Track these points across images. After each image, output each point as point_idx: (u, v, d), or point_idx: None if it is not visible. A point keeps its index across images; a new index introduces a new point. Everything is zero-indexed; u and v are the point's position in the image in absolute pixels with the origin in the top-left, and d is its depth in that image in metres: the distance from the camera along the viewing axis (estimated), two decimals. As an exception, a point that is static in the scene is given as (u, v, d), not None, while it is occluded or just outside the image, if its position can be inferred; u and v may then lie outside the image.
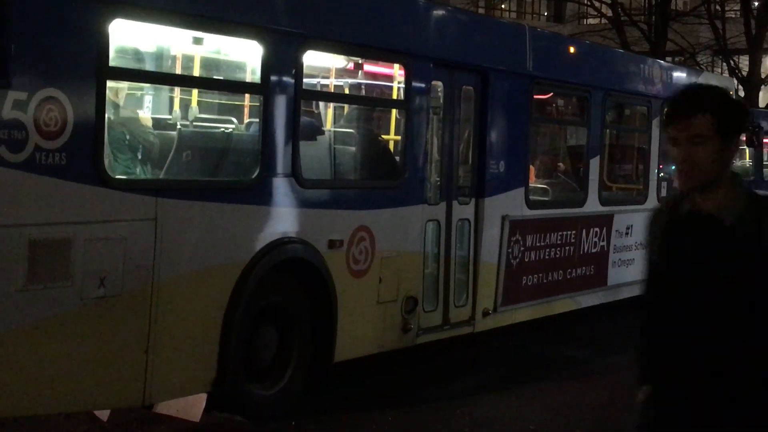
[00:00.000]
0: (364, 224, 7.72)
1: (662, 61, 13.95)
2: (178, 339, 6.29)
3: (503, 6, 43.12)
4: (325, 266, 7.33)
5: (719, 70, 31.29)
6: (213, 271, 6.48)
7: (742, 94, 14.95)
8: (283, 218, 7.01)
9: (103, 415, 6.53)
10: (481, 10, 31.84)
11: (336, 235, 7.43)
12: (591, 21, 38.60)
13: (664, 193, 12.43)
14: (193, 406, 6.62)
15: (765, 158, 20.87)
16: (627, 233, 11.57)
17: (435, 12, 8.61)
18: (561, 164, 11.29)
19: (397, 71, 8.52)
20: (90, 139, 5.66)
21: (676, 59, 29.56)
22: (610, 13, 29.80)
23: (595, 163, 10.93)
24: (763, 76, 29.56)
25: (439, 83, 8.63)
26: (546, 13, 47.27)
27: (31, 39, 5.38)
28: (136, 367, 6.04)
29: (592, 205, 10.93)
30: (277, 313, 7.12)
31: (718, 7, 30.33)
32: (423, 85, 8.33)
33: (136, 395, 6.10)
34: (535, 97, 10.02)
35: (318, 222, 7.30)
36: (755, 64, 28.52)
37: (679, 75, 13.17)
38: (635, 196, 12.14)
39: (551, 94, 10.69)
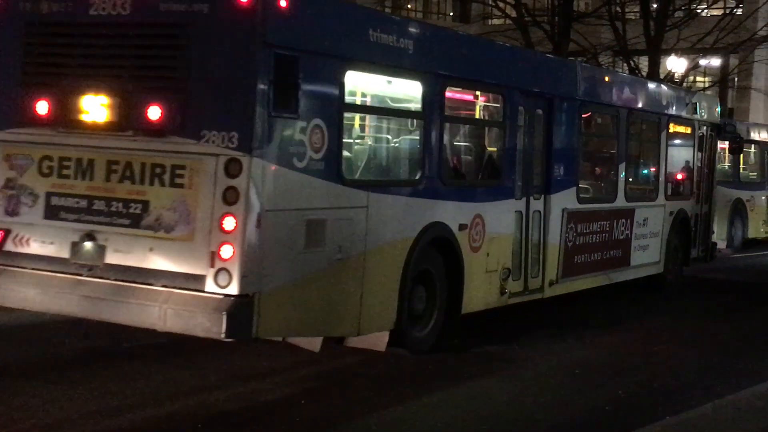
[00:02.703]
0: (479, 213, 10.50)
1: (669, 84, 16.87)
2: (376, 290, 9.03)
3: (409, 6, 44.22)
4: (457, 243, 10.11)
5: (620, 70, 31.76)
6: (396, 244, 9.24)
7: (719, 109, 17.55)
8: (434, 207, 9.78)
9: (315, 346, 9.17)
10: (387, 10, 32.39)
11: (463, 220, 10.22)
12: (496, 21, 39.29)
13: (669, 191, 15.36)
14: (379, 340, 9.36)
15: (742, 162, 24.09)
16: (644, 224, 14.43)
17: (522, 53, 11.46)
18: (597, 168, 14.17)
19: (477, 99, 11.37)
20: (335, 153, 8.40)
21: (579, 59, 29.76)
22: (514, 13, 30.01)
23: (622, 167, 13.80)
24: (662, 76, 30.14)
25: (522, 107, 11.44)
26: (452, 14, 48.24)
27: (307, 85, 8.10)
28: (355, 308, 8.79)
29: (620, 201, 13.80)
30: (426, 276, 9.86)
31: (618, 9, 30.61)
32: (513, 110, 11.16)
33: (355, 328, 8.87)
34: (582, 116, 12.89)
35: (453, 210, 10.08)
36: (654, 65, 29.34)
37: (680, 95, 16.13)
38: (648, 194, 15.02)
39: (590, 113, 13.55)
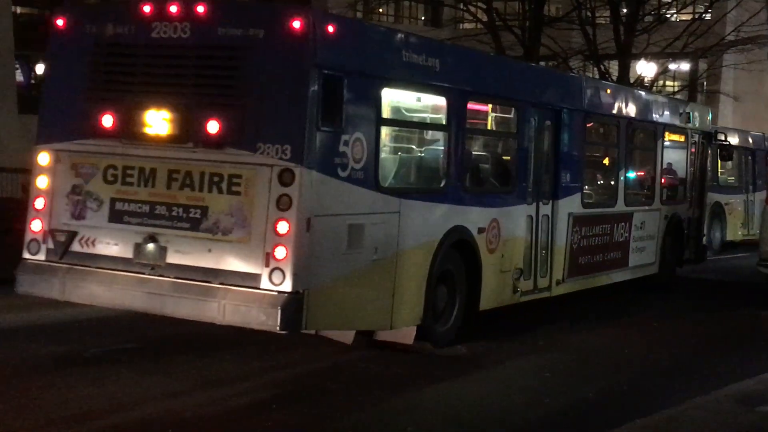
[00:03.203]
0: (495, 217, 11.37)
1: (664, 95, 17.78)
2: (406, 288, 9.88)
3: (381, 10, 44.50)
4: (476, 245, 10.97)
5: (591, 74, 32.15)
6: (424, 246, 10.09)
7: (710, 117, 18.53)
8: (456, 212, 10.65)
9: (348, 339, 10.03)
10: (359, 14, 33.00)
11: (482, 224, 11.08)
12: (467, 26, 40.22)
13: (664, 196, 16.26)
14: (406, 334, 10.20)
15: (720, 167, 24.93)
16: (641, 227, 15.33)
17: (533, 70, 12.34)
18: (599, 175, 15.07)
19: (493, 112, 12.25)
20: (373, 163, 9.24)
21: (550, 63, 31.02)
22: (485, 18, 30.27)
23: (622, 174, 14.70)
24: (632, 80, 30.53)
25: (533, 119, 12.31)
26: (423, 18, 49.30)
27: (349, 102, 8.94)
28: (388, 304, 9.63)
29: (620, 205, 14.71)
30: (448, 275, 10.71)
31: (588, 14, 31.04)
32: (525, 122, 12.03)
33: (387, 322, 9.72)
34: (586, 126, 13.78)
35: (472, 215, 10.95)
36: (624, 69, 29.98)
37: (675, 105, 17.05)
38: (646, 199, 15.92)
39: (594, 123, 14.43)
